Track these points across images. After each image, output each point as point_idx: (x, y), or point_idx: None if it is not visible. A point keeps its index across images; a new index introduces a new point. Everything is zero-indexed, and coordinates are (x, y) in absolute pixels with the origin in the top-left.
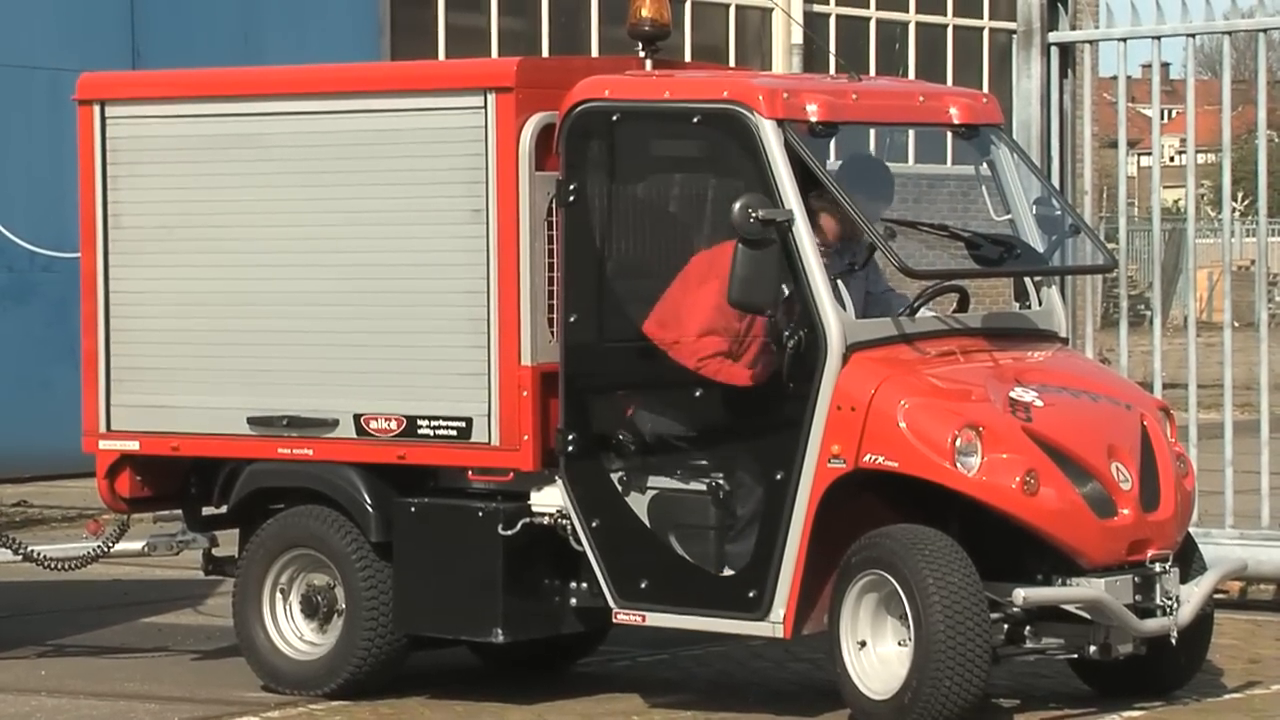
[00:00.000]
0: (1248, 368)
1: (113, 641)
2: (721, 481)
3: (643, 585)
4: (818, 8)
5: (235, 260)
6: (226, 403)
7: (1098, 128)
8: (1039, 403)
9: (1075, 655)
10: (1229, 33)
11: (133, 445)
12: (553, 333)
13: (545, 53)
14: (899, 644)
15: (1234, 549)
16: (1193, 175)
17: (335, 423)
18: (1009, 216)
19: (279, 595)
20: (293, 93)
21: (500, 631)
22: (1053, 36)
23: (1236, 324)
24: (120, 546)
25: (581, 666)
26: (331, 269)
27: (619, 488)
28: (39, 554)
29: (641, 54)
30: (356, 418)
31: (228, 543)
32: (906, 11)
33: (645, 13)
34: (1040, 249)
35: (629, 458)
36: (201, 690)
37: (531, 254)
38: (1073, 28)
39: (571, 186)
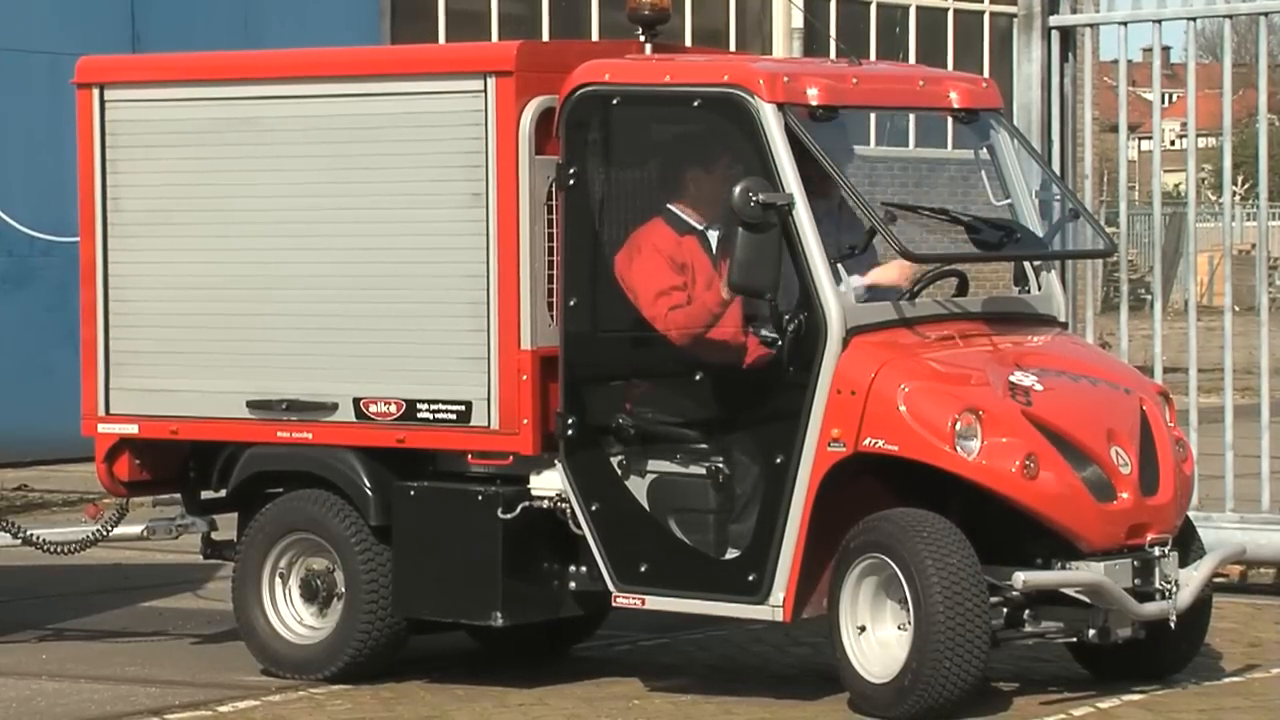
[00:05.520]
0: (1248, 352)
1: (113, 626)
2: (721, 465)
3: (642, 569)
4: None
5: (234, 244)
6: (226, 386)
7: (1098, 112)
8: (1039, 387)
9: (1074, 639)
10: (1230, 16)
11: (132, 429)
12: (552, 317)
13: (545, 37)
14: (899, 628)
15: (1234, 533)
16: (1193, 159)
17: (334, 406)
18: (1009, 201)
19: (278, 579)
20: (293, 76)
21: (499, 615)
22: (1053, 20)
23: (1237, 308)
24: (119, 530)
25: (581, 650)
26: (331, 253)
27: (618, 471)
28: (38, 538)
29: (641, 38)
30: (356, 401)
31: (227, 527)
32: None
33: None
34: (1040, 233)
35: (628, 441)
36: (202, 674)
37: (531, 238)
38: (1073, 11)
39: (571, 170)
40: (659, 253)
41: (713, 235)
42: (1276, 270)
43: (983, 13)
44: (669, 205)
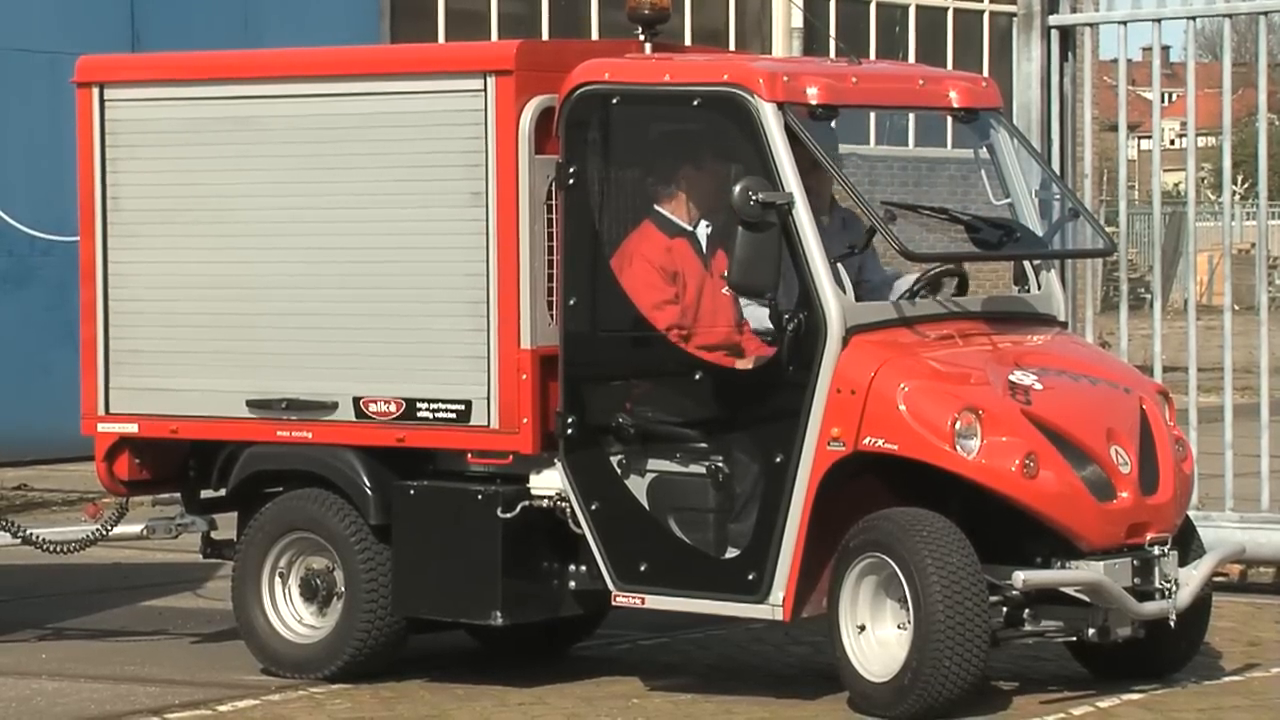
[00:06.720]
0: (1247, 351)
1: (113, 625)
2: (721, 464)
3: (642, 568)
4: None
5: (234, 243)
6: (225, 385)
7: (1098, 111)
8: (1038, 386)
9: (1074, 638)
10: (1229, 15)
11: (131, 428)
12: (552, 316)
13: (545, 36)
14: (898, 627)
15: (1234, 532)
16: (1193, 158)
17: (334, 405)
18: (1008, 200)
19: (278, 579)
20: (292, 75)
21: (499, 614)
22: (1053, 19)
23: (1236, 307)
24: (119, 530)
25: (581, 649)
26: (331, 252)
27: (618, 470)
28: (38, 537)
29: (641, 37)
30: (356, 400)
31: (226, 526)
32: None
33: None
34: (1040, 233)
35: (628, 441)
36: (201, 673)
37: (531, 237)
38: (1073, 10)
39: (571, 169)
40: (648, 261)
41: (710, 234)
42: (1276, 269)
43: (983, 12)
44: (667, 205)
